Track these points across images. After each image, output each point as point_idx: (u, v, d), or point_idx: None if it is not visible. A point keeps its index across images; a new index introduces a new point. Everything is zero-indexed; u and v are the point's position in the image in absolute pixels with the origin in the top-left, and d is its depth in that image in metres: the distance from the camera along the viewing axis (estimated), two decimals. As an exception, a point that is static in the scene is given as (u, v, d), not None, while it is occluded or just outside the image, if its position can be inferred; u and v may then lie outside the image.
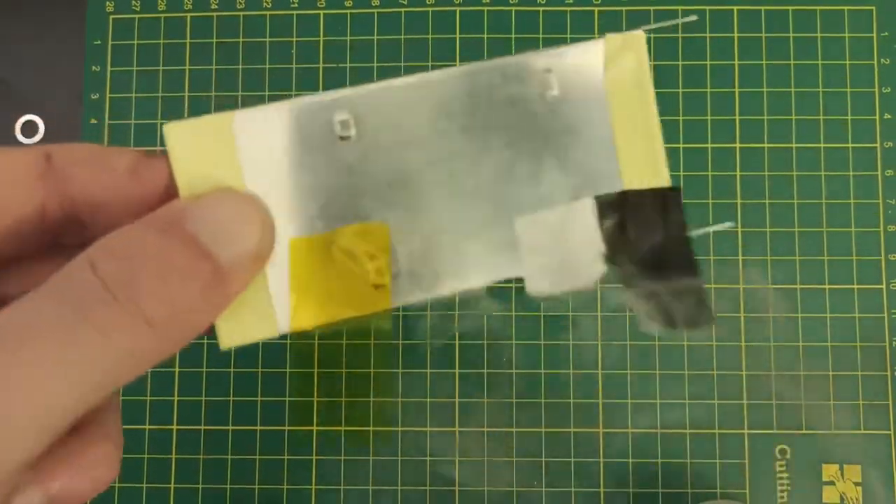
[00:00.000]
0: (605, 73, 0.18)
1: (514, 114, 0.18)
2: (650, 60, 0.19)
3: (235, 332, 0.17)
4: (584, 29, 0.39)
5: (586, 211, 0.18)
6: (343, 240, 0.17)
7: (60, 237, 0.17)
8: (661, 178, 0.18)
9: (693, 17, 0.20)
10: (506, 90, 0.18)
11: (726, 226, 0.19)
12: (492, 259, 0.18)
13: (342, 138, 0.17)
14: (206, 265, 0.15)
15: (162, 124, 0.39)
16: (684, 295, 0.18)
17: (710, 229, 0.19)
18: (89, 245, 0.15)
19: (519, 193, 0.18)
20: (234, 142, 0.17)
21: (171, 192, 0.17)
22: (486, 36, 0.39)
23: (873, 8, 0.39)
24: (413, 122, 0.17)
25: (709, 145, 0.38)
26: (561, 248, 0.18)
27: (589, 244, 0.18)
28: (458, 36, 0.39)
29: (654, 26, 0.19)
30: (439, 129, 0.18)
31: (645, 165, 0.18)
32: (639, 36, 0.18)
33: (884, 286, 0.37)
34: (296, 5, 0.40)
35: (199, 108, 0.39)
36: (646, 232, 0.18)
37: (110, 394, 0.14)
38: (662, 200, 0.18)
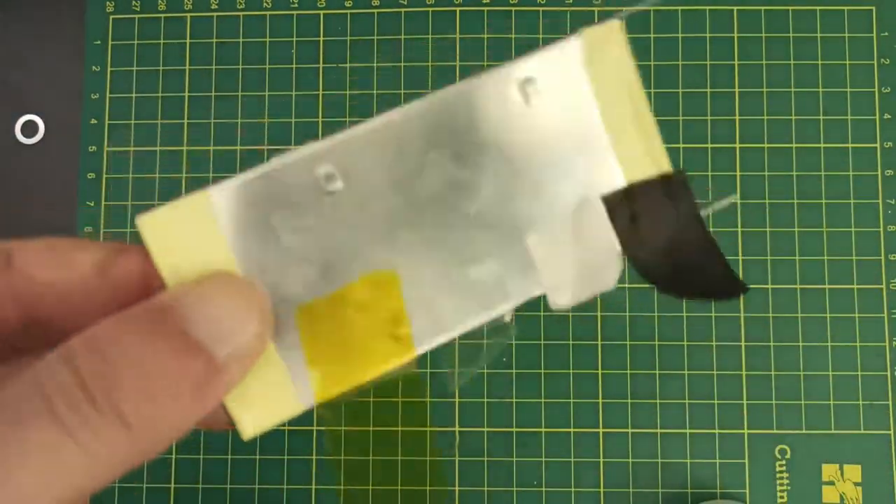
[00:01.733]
0: (588, 70, 0.17)
1: (501, 130, 0.17)
2: (641, 56, 0.18)
3: (256, 418, 0.16)
4: (584, 29, 0.39)
5: (596, 212, 0.17)
6: (352, 295, 0.16)
7: (20, 341, 0.16)
8: (661, 165, 0.17)
9: (732, 199, 0.20)
10: (488, 108, 0.17)
11: (729, 200, 0.19)
12: (510, 283, 0.17)
13: (329, 192, 0.16)
14: (197, 363, 0.14)
15: (162, 124, 0.39)
16: (706, 273, 0.18)
17: (715, 206, 0.18)
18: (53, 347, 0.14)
19: (524, 210, 0.17)
20: (215, 221, 0.16)
21: (147, 282, 0.16)
22: (485, 36, 0.39)
23: (873, 8, 0.39)
24: (400, 160, 0.17)
25: (709, 145, 0.38)
26: (577, 256, 0.17)
27: (604, 245, 0.17)
28: (458, 36, 0.39)
29: (629, 10, 0.18)
30: (429, 162, 0.17)
31: (643, 156, 0.17)
32: (615, 26, 0.17)
33: (884, 286, 0.37)
34: (296, 5, 0.40)
35: (199, 109, 0.39)
36: (659, 221, 0.17)
37: (91, 491, 0.13)
38: (668, 186, 0.17)
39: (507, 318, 0.18)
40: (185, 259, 0.15)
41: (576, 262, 0.17)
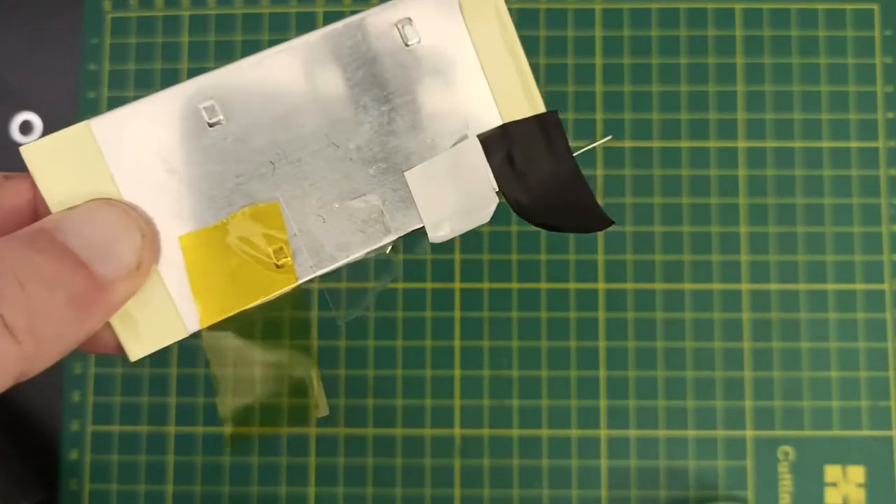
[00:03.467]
0: (463, 12, 0.18)
1: (382, 68, 0.18)
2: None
3: (142, 341, 0.16)
4: (585, 26, 0.38)
5: (472, 150, 0.18)
6: (236, 227, 0.17)
7: None
8: (536, 106, 0.19)
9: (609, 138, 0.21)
10: (369, 46, 0.18)
11: (608, 139, 0.20)
12: (390, 217, 0.18)
13: (211, 125, 0.17)
14: (78, 275, 0.14)
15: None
16: (577, 209, 0.19)
17: (594, 145, 0.20)
18: None
19: (404, 147, 0.18)
20: (99, 151, 0.16)
21: (38, 213, 0.16)
22: (486, 34, 0.39)
23: (875, 6, 0.38)
24: (281, 94, 0.17)
25: (711, 144, 0.38)
26: (454, 192, 0.18)
27: (480, 182, 0.18)
28: (458, 34, 0.39)
29: None
30: (310, 97, 0.17)
31: (519, 97, 0.18)
32: None
33: (886, 286, 0.37)
34: (294, 3, 0.39)
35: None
36: (533, 157, 0.18)
37: None
38: (542, 125, 0.18)
39: (389, 252, 0.19)
40: (71, 189, 0.16)
41: (453, 197, 0.18)
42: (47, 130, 0.39)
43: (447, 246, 0.37)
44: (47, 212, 0.16)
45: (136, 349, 0.16)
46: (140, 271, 0.15)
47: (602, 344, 0.37)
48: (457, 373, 0.37)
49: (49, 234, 0.14)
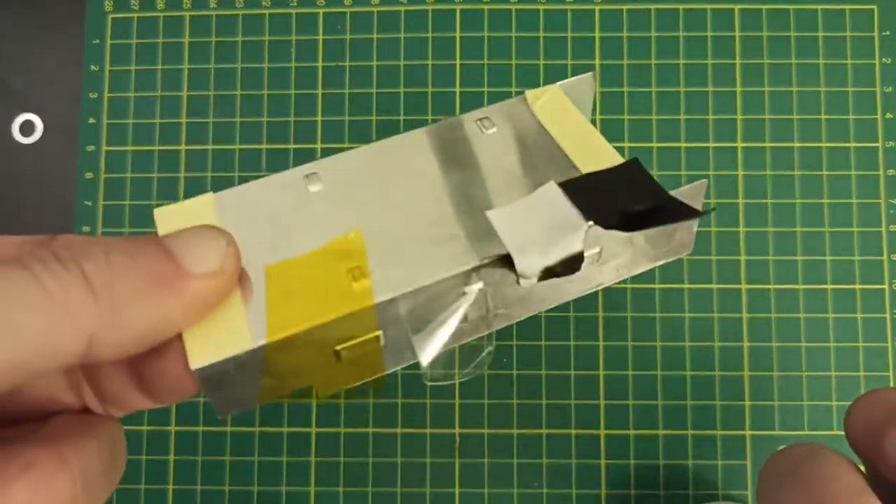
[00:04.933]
0: (536, 110, 0.22)
1: (462, 150, 0.21)
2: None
3: (206, 347, 0.17)
4: (584, 28, 0.39)
5: (553, 194, 0.19)
6: (320, 255, 0.19)
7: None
8: (614, 160, 0.20)
9: (589, 74, 0.24)
10: (452, 136, 0.22)
11: (702, 183, 0.20)
12: (469, 248, 0.19)
13: (312, 191, 0.20)
14: (164, 259, 0.15)
15: (160, 124, 0.39)
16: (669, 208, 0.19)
17: (683, 189, 0.19)
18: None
19: (485, 201, 0.20)
20: (216, 214, 0.19)
21: None
22: (486, 34, 0.39)
23: (874, 7, 0.38)
24: (378, 177, 0.20)
25: (710, 145, 0.38)
26: (539, 226, 0.19)
27: (568, 216, 0.18)
28: (458, 35, 0.39)
29: (568, 81, 0.23)
30: (403, 175, 0.21)
31: (596, 156, 0.20)
32: (555, 89, 0.22)
33: (886, 286, 0.37)
34: (295, 4, 0.39)
35: (198, 108, 0.39)
36: (620, 197, 0.19)
37: (56, 363, 0.14)
38: (626, 171, 0.20)
39: (476, 290, 0.20)
40: None
41: (539, 231, 0.19)
42: (48, 131, 0.40)
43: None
44: None
45: (199, 357, 0.16)
46: (222, 274, 0.16)
47: (601, 343, 0.37)
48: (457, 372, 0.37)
49: (149, 236, 0.16)
